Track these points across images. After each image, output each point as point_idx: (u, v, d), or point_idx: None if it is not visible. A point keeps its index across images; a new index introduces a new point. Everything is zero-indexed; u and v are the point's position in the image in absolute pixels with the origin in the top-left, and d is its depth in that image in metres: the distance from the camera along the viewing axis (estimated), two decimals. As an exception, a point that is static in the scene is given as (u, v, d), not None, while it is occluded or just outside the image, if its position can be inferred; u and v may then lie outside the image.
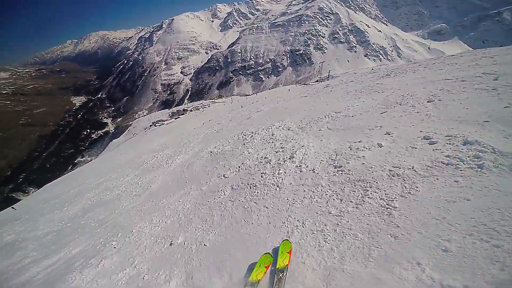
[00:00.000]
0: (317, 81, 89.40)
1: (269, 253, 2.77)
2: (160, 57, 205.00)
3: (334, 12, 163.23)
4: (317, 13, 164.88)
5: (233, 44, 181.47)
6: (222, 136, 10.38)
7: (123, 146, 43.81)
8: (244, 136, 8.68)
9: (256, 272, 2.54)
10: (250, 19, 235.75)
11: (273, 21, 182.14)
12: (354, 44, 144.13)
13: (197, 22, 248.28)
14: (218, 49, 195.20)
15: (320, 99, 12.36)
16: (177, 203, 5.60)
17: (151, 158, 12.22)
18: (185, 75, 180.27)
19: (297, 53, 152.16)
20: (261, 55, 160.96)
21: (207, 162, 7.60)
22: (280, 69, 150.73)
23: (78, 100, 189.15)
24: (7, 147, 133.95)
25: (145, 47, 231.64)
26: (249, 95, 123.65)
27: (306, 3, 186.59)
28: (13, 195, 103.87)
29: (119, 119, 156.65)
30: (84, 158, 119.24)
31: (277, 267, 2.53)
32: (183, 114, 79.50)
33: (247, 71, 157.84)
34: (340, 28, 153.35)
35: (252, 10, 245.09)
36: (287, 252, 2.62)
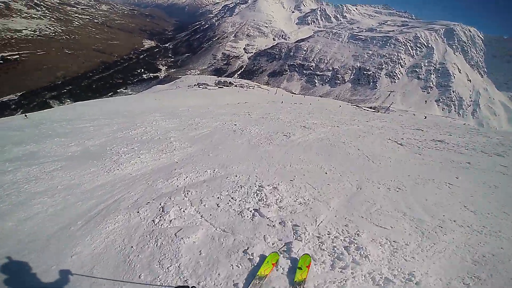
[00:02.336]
0: (372, 108, 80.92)
1: (276, 252, 2.85)
2: (232, 29, 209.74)
3: (429, 45, 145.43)
4: (409, 40, 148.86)
5: (302, 40, 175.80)
6: (234, 136, 8.15)
7: (162, 93, 45.73)
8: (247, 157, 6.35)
9: (264, 267, 2.62)
10: (331, 22, 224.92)
11: (355, 33, 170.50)
12: (431, 85, 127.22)
13: (278, 8, 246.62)
14: (285, 40, 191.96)
15: (363, 138, 8.89)
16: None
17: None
18: (246, 52, 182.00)
19: (365, 72, 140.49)
20: (325, 61, 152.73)
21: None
22: (338, 82, 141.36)
23: (148, 44, 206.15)
24: (71, 62, 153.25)
25: (224, 16, 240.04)
26: (295, 93, 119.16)
27: (403, 27, 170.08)
28: (50, 102, 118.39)
29: (172, 70, 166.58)
30: (126, 91, 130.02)
31: (295, 280, 2.56)
32: (227, 86, 79.59)
33: (304, 71, 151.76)
34: (426, 64, 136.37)
35: (337, 15, 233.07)
36: (306, 266, 2.65)
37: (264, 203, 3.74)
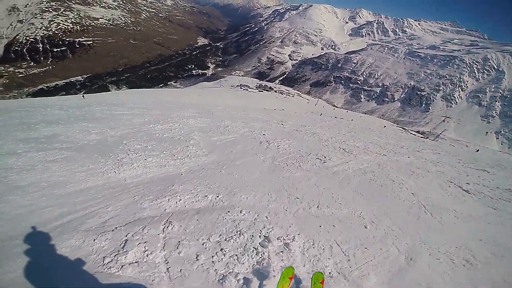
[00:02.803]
0: (420, 133, 73.15)
1: (291, 267, 2.69)
2: (280, 34, 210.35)
3: (500, 69, 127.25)
4: (477, 62, 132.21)
5: (353, 52, 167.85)
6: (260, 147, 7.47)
7: (205, 90, 48.08)
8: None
9: (281, 283, 2.47)
10: (388, 36, 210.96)
11: (414, 49, 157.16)
12: (494, 114, 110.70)
13: (331, 18, 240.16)
14: (334, 50, 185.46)
15: (417, 177, 7.22)
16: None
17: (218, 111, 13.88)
18: (291, 59, 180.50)
19: (418, 92, 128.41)
20: (375, 76, 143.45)
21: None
22: (386, 100, 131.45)
23: (201, 41, 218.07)
24: (133, 52, 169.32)
25: (273, 20, 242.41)
26: (336, 106, 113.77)
27: (471, 47, 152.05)
28: (109, 86, 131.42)
29: (219, 69, 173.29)
30: (175, 84, 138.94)
31: None
32: (267, 90, 79.99)
33: (350, 84, 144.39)
34: (493, 89, 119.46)
35: (396, 30, 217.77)
36: (320, 282, 2.57)
37: (263, 269, 2.61)
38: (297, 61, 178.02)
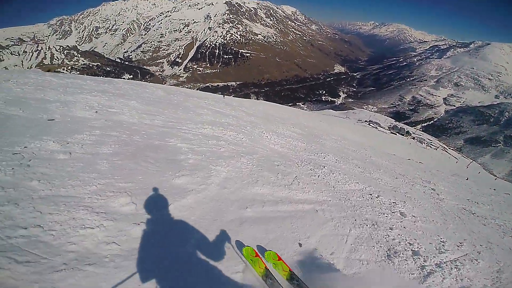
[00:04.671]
0: None
1: (248, 246, 2.63)
2: (436, 73, 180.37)
3: None
4: None
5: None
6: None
7: (328, 118, 45.88)
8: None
9: (255, 267, 2.41)
10: None
11: None
12: None
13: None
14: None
15: None
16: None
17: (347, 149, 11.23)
18: (445, 104, 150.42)
19: None
20: None
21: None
22: None
23: (338, 69, 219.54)
24: (276, 69, 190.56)
25: (430, 56, 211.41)
26: (497, 176, 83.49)
27: None
28: (251, 95, 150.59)
29: (350, 100, 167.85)
30: (303, 106, 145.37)
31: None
32: (402, 134, 68.87)
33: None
34: None
35: None
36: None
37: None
38: (454, 107, 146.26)
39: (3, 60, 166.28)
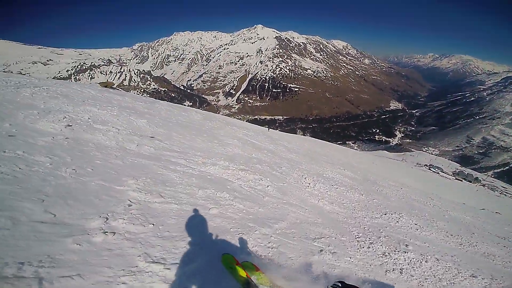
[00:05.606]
0: None
1: (227, 253, 2.52)
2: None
3: None
4: None
5: None
6: None
7: (383, 160, 41.56)
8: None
9: (236, 274, 2.28)
10: None
11: None
12: None
13: None
14: None
15: None
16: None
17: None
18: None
19: None
20: None
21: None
22: None
23: (394, 105, 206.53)
24: (326, 105, 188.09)
25: (503, 90, 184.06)
26: None
27: None
28: (297, 130, 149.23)
29: (407, 140, 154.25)
30: (353, 145, 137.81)
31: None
32: (469, 181, 58.91)
33: None
34: None
35: None
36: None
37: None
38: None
39: (94, 78, 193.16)
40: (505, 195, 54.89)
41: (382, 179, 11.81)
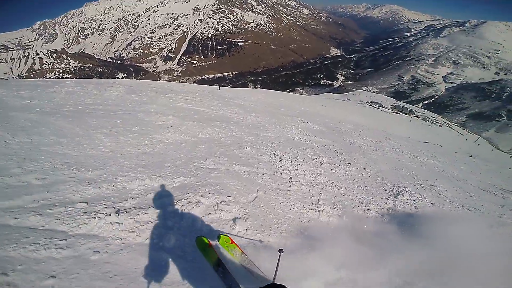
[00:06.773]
0: None
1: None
2: (434, 52, 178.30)
3: None
4: None
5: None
6: None
7: (330, 101, 44.35)
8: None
9: (208, 256, 2.40)
10: None
11: None
12: None
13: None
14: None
15: None
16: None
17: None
18: (445, 82, 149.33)
19: None
20: None
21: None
22: None
23: (334, 52, 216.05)
24: (271, 56, 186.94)
25: (425, 36, 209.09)
26: (502, 150, 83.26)
27: None
28: (248, 84, 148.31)
29: (348, 82, 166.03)
30: (301, 90, 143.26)
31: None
32: (405, 113, 67.51)
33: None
34: None
35: None
36: (231, 243, 2.63)
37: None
38: (455, 84, 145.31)
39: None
40: (435, 125, 62.76)
41: (342, 123, 12.71)
